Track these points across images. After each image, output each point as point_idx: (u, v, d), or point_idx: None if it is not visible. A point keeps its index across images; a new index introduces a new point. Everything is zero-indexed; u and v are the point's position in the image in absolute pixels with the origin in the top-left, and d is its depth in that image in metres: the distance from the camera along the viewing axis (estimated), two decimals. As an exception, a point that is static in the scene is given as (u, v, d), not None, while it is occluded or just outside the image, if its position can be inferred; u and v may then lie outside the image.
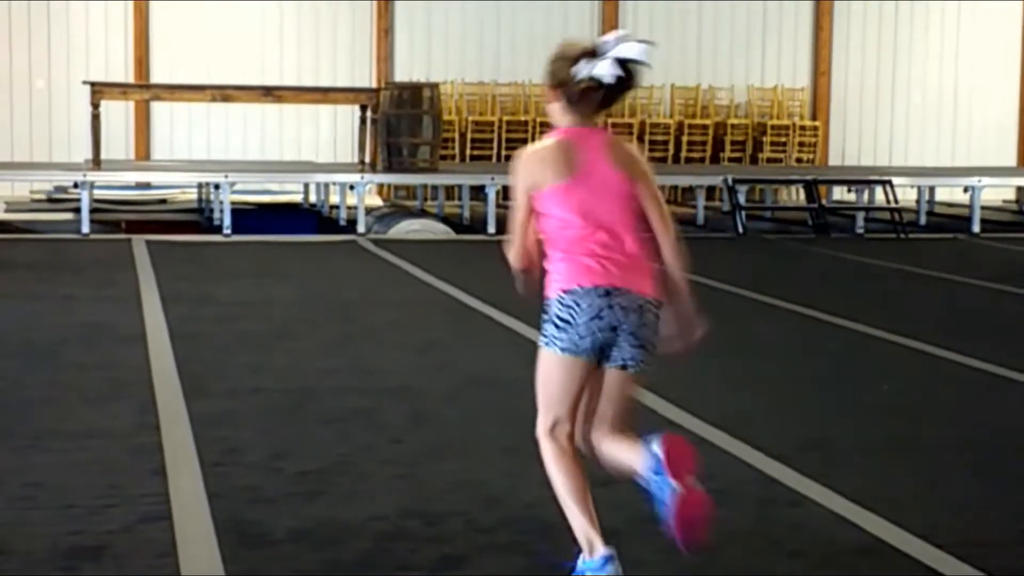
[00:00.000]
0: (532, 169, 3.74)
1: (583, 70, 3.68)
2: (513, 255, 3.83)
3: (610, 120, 19.74)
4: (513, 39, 20.00)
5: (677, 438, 3.76)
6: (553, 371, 3.74)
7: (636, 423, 3.89)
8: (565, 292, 3.70)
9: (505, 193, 18.10)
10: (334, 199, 16.46)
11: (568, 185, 3.69)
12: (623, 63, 3.69)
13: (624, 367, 3.78)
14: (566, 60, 3.71)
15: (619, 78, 3.68)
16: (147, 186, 17.76)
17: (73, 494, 4.52)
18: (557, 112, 3.78)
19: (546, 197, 3.71)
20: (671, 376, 6.73)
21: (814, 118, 20.75)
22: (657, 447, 3.64)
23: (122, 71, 18.75)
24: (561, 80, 3.72)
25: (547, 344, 3.75)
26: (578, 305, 3.69)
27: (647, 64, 3.71)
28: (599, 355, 3.74)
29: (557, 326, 3.72)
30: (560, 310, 3.71)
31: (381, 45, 19.45)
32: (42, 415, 5.68)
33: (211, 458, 4.99)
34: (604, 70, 3.67)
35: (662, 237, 3.85)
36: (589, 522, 3.73)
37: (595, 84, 3.68)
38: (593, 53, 3.69)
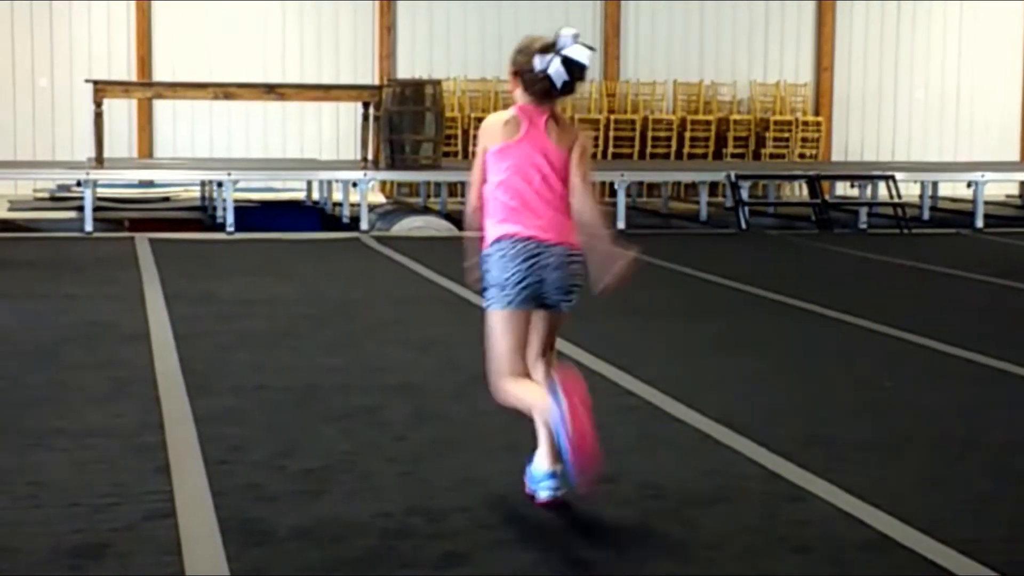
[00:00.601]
0: (488, 133, 4.44)
1: (538, 64, 4.32)
2: (471, 199, 4.49)
3: (613, 117, 19.75)
4: (515, 35, 19.76)
5: (571, 373, 4.29)
6: (499, 327, 4.34)
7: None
8: (498, 257, 4.30)
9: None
10: (337, 196, 16.48)
11: (509, 146, 4.37)
12: (571, 65, 4.30)
13: (554, 307, 4.40)
14: (527, 53, 4.35)
15: (565, 81, 4.31)
16: (150, 184, 17.78)
17: (77, 493, 4.52)
18: (517, 93, 4.43)
19: (492, 155, 4.39)
20: (673, 373, 6.75)
21: (817, 114, 20.75)
22: (559, 389, 4.12)
23: (125, 69, 18.76)
24: (521, 69, 4.38)
25: (490, 306, 4.36)
26: (511, 267, 4.28)
27: (588, 67, 4.33)
28: (533, 302, 4.34)
29: (498, 287, 4.32)
30: (495, 266, 4.31)
31: (383, 42, 19.45)
32: (45, 414, 5.69)
33: (215, 456, 5.00)
34: (555, 69, 4.30)
35: (581, 189, 4.40)
36: (547, 441, 4.36)
37: (546, 78, 4.31)
38: (549, 49, 4.33)
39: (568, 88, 4.32)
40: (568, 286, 4.36)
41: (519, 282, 4.29)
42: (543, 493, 4.39)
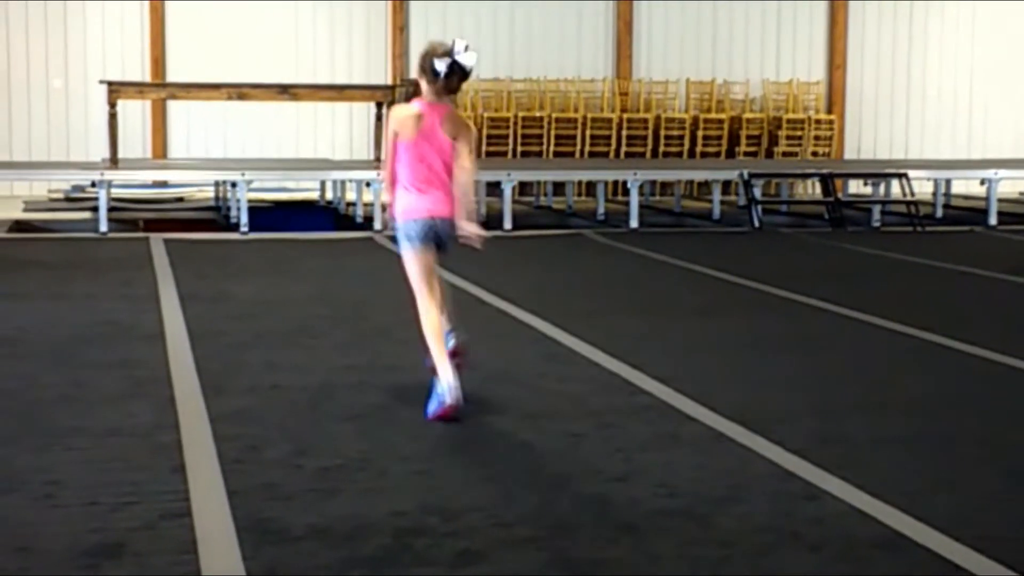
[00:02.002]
0: (397, 123, 5.87)
1: (437, 66, 5.68)
2: (385, 176, 6.00)
3: (626, 116, 19.75)
4: (528, 35, 20.00)
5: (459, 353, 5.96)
6: (414, 260, 5.91)
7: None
8: (405, 221, 5.88)
9: (522, 189, 18.13)
10: (350, 196, 16.49)
11: (415, 140, 5.82)
12: (461, 67, 5.71)
13: (441, 249, 5.95)
14: (429, 57, 5.72)
15: (452, 77, 5.71)
16: (164, 185, 17.82)
17: (93, 492, 4.54)
18: (423, 89, 5.79)
19: (400, 147, 5.86)
20: (687, 371, 6.75)
21: (829, 112, 20.71)
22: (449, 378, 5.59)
23: (139, 70, 18.81)
24: (424, 70, 5.75)
25: (406, 249, 5.91)
26: (415, 229, 5.86)
27: (470, 70, 5.74)
28: (432, 244, 5.88)
29: (408, 240, 5.88)
30: (406, 230, 5.89)
31: (396, 42, 19.47)
32: (62, 413, 5.72)
33: (230, 455, 5.02)
34: (443, 69, 5.70)
35: (468, 170, 5.84)
36: (440, 358, 5.67)
37: (441, 78, 5.70)
38: (446, 54, 5.69)
39: (456, 87, 5.76)
40: (449, 240, 5.93)
41: (422, 238, 5.86)
42: (447, 399, 5.60)
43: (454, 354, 5.89)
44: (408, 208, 5.86)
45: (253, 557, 3.92)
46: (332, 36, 19.48)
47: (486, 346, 7.51)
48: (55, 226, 14.90)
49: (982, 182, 16.27)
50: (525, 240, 13.38)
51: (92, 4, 18.82)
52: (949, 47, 21.17)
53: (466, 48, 5.70)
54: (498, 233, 14.13)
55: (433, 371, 5.67)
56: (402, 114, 5.87)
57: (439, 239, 5.87)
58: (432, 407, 5.62)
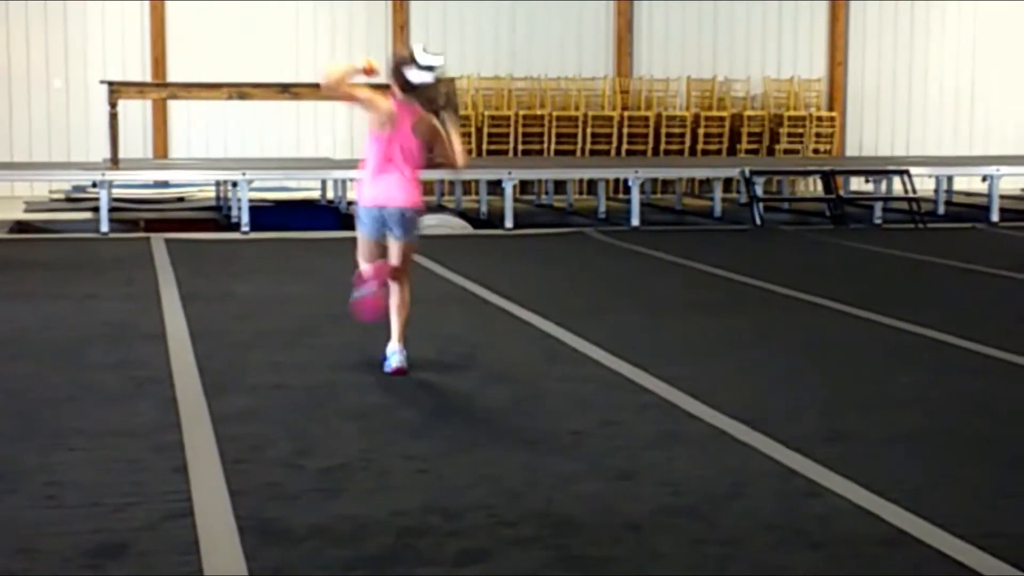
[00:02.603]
0: (377, 111, 6.52)
1: (407, 73, 6.44)
2: (358, 94, 6.53)
3: (627, 114, 19.74)
4: (529, 33, 19.99)
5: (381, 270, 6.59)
6: (361, 242, 6.67)
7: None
8: (359, 207, 6.64)
9: (523, 187, 18.13)
10: (352, 195, 16.47)
11: (386, 136, 6.53)
12: (428, 71, 6.42)
13: (396, 239, 6.58)
14: (399, 63, 6.47)
15: (420, 84, 6.44)
16: (165, 184, 17.82)
17: (96, 492, 4.54)
18: (396, 92, 6.49)
19: (372, 136, 6.56)
20: (690, 370, 6.75)
21: (830, 109, 20.71)
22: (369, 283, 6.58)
23: (139, 70, 18.81)
24: (395, 76, 6.48)
25: (359, 229, 6.69)
26: (366, 215, 6.60)
27: (432, 72, 6.43)
28: (382, 234, 6.59)
29: (359, 222, 6.68)
30: (358, 214, 6.66)
31: (397, 41, 19.46)
32: (64, 414, 5.71)
33: (233, 455, 5.01)
34: (415, 77, 6.43)
35: (460, 150, 6.78)
36: (395, 326, 6.61)
37: (409, 82, 6.44)
38: (412, 61, 6.42)
39: (418, 88, 6.44)
40: (403, 227, 6.56)
41: (367, 226, 6.60)
42: (392, 362, 6.54)
43: (398, 372, 6.52)
44: (362, 195, 6.64)
45: (255, 557, 3.91)
46: (333, 35, 19.48)
47: (487, 345, 7.51)
48: (56, 226, 14.90)
49: (984, 178, 16.25)
50: (526, 238, 13.38)
51: (92, 4, 18.82)
52: (950, 43, 21.16)
53: (425, 50, 6.44)
54: (500, 232, 14.14)
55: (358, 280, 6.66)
56: (382, 105, 6.50)
57: (386, 226, 6.56)
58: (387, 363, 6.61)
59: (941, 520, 4.24)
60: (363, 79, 6.52)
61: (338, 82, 6.40)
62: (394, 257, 6.57)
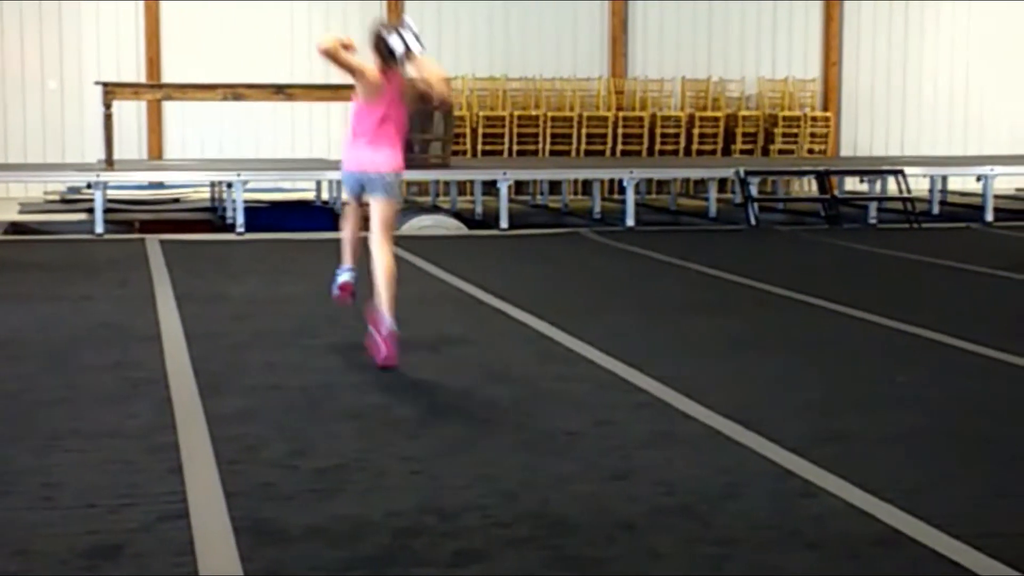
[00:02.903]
0: (367, 81, 6.88)
1: (387, 40, 6.79)
2: (348, 60, 6.88)
3: (621, 114, 19.75)
4: (523, 33, 20.00)
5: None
6: (349, 197, 7.24)
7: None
8: (342, 171, 7.11)
9: (518, 188, 18.13)
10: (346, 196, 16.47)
11: (375, 106, 6.90)
12: (404, 42, 6.74)
13: (376, 199, 6.96)
14: (378, 32, 6.84)
15: (397, 51, 6.75)
16: (160, 185, 17.81)
17: (91, 494, 4.54)
18: (375, 60, 6.83)
19: (360, 105, 6.94)
20: (684, 370, 6.75)
21: (825, 109, 20.73)
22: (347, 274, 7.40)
23: (134, 71, 18.80)
24: (375, 45, 6.84)
25: (343, 189, 7.35)
26: (349, 179, 7.06)
27: (420, 46, 6.78)
28: (360, 194, 7.05)
29: (343, 183, 7.24)
30: (344, 178, 7.12)
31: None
32: (59, 415, 5.71)
33: (228, 456, 5.01)
34: (395, 45, 6.76)
35: (442, 81, 6.90)
36: (349, 253, 7.33)
37: (389, 50, 6.77)
38: (394, 30, 6.79)
39: (398, 56, 6.76)
40: (381, 189, 6.93)
41: (349, 189, 7.12)
42: (341, 278, 7.37)
43: (389, 337, 6.78)
44: (346, 159, 7.05)
45: (251, 558, 3.91)
46: (327, 36, 19.46)
47: (483, 345, 7.52)
48: (51, 228, 14.89)
49: (978, 178, 16.27)
50: (521, 239, 13.38)
51: (87, 5, 18.81)
52: (944, 43, 21.19)
53: (407, 26, 6.89)
54: (495, 232, 14.14)
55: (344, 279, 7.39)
56: (372, 76, 6.87)
57: (368, 188, 6.95)
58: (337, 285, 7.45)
59: (937, 520, 4.25)
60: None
61: (335, 49, 6.78)
62: (374, 217, 6.95)
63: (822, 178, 15.84)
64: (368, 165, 6.88)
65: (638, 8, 20.23)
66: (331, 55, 6.80)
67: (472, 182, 17.10)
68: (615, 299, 9.47)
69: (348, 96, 18.64)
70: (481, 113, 19.47)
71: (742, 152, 20.13)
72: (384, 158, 6.88)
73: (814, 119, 20.41)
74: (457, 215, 15.61)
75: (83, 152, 18.37)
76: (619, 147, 19.76)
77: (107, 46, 18.89)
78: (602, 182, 17.01)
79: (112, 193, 16.55)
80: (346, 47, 6.86)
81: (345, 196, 7.43)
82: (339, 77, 19.05)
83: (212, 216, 16.31)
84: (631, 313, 8.69)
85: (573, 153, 19.61)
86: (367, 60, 6.88)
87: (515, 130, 19.53)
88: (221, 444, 5.18)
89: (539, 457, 5.06)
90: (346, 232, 7.33)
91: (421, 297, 9.38)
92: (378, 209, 6.93)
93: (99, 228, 13.50)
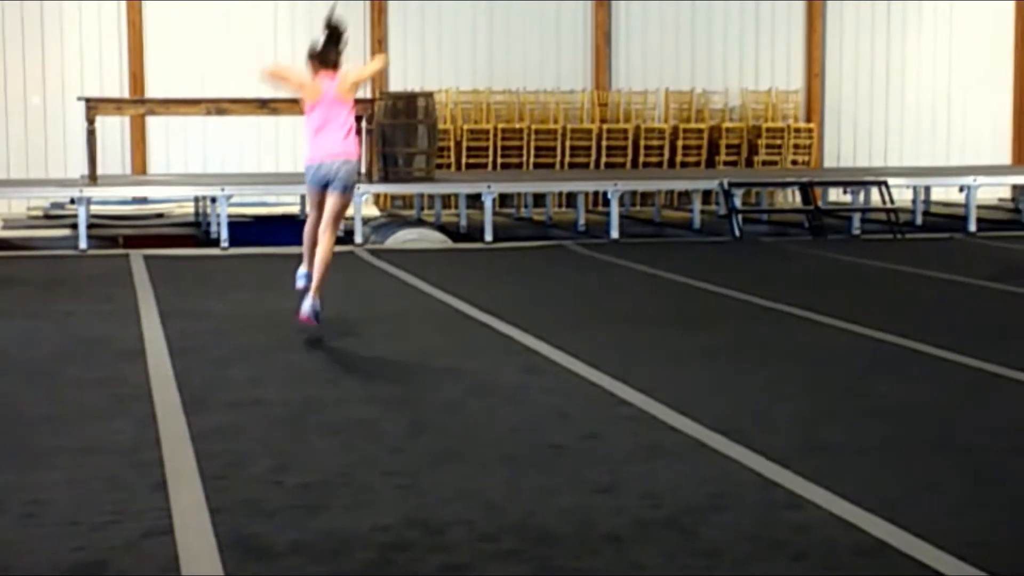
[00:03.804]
0: (303, 87, 8.07)
1: (317, 46, 8.00)
2: (285, 74, 8.39)
3: (605, 127, 19.78)
4: (507, 47, 20.01)
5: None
6: (308, 193, 8.20)
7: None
8: (306, 164, 8.06)
9: (503, 201, 18.14)
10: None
11: (317, 107, 7.97)
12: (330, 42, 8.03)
13: (332, 192, 7.96)
14: (313, 43, 8.07)
15: (323, 52, 8.03)
16: (144, 200, 17.77)
17: (75, 511, 4.53)
18: (315, 69, 8.02)
19: (307, 111, 8.01)
20: (669, 382, 6.76)
21: (808, 120, 20.78)
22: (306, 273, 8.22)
23: (117, 86, 18.76)
24: (309, 53, 8.08)
25: (306, 184, 8.19)
26: (309, 171, 8.02)
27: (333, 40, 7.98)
28: (323, 187, 8.00)
29: (306, 178, 8.12)
30: (305, 171, 8.08)
31: (374, 55, 19.47)
32: (43, 432, 5.70)
33: (212, 472, 5.00)
34: (317, 47, 8.02)
35: (364, 74, 8.84)
36: (307, 259, 8.17)
37: (316, 50, 8.06)
38: (322, 36, 8.04)
39: (328, 58, 7.98)
40: (341, 178, 7.95)
41: (312, 178, 8.01)
42: (305, 308, 7.91)
43: (307, 321, 7.89)
44: (307, 156, 8.04)
45: (236, 574, 3.91)
46: (311, 50, 19.46)
47: (467, 358, 7.52)
48: (34, 243, 14.85)
49: (961, 189, 16.33)
50: (505, 252, 13.39)
51: (69, 20, 18.78)
52: (926, 54, 21.26)
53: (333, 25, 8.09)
54: (479, 245, 14.15)
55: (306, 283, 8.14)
56: (307, 81, 8.06)
57: (327, 180, 7.92)
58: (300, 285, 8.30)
59: (920, 530, 4.26)
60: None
61: (274, 70, 8.53)
62: (328, 208, 7.94)
63: (806, 189, 15.87)
64: (325, 156, 7.90)
65: (621, 20, 20.26)
66: (274, 76, 8.43)
67: (456, 195, 17.10)
68: (600, 312, 9.48)
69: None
70: (465, 126, 19.48)
71: (726, 164, 20.16)
72: (340, 148, 7.91)
73: (797, 130, 20.46)
74: (442, 228, 15.61)
75: (66, 167, 18.32)
76: (603, 159, 19.78)
77: (90, 61, 18.86)
78: (586, 195, 17.02)
79: (96, 208, 16.49)
80: (281, 70, 8.61)
81: (309, 201, 8.24)
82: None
83: (196, 231, 16.28)
84: (616, 325, 8.70)
85: (557, 166, 19.63)
86: (303, 72, 8.17)
87: (499, 143, 19.54)
88: (205, 460, 5.18)
89: (524, 470, 5.06)
90: (307, 238, 8.23)
91: (406, 311, 9.38)
92: (331, 202, 7.93)
93: (83, 244, 13.47)
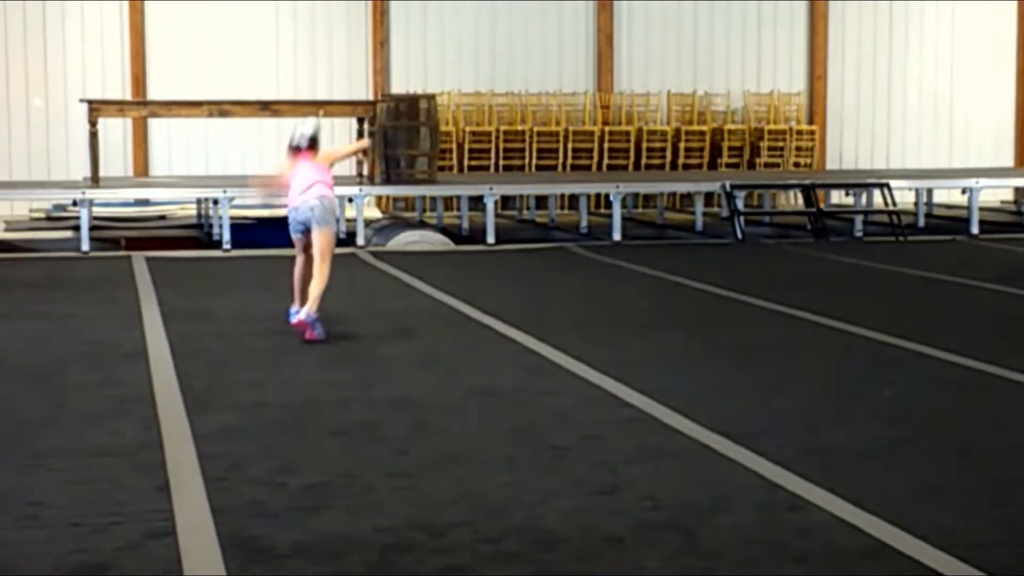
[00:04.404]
0: (285, 171, 8.48)
1: (294, 139, 8.42)
2: (279, 180, 8.57)
3: (608, 129, 19.78)
4: (509, 49, 20.02)
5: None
6: (294, 240, 8.37)
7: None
8: (288, 211, 8.38)
9: (504, 203, 18.14)
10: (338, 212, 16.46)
11: (294, 171, 8.34)
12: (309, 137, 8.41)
13: (313, 229, 8.15)
14: (291, 137, 8.45)
15: (300, 145, 8.42)
16: (146, 202, 17.78)
17: (77, 512, 4.53)
18: (294, 159, 8.43)
19: (288, 178, 8.39)
20: (671, 384, 6.76)
21: (811, 122, 20.78)
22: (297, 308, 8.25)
23: (119, 88, 18.78)
24: (289, 145, 8.45)
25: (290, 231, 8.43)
26: (289, 216, 8.35)
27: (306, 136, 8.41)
28: (304, 232, 8.25)
29: (290, 227, 8.40)
30: (288, 218, 8.38)
31: (377, 57, 19.49)
32: (45, 434, 5.70)
33: (215, 474, 5.00)
34: (295, 140, 8.43)
35: (336, 157, 9.28)
36: (298, 294, 8.24)
37: (292, 145, 8.43)
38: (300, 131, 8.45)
39: (305, 147, 8.37)
40: (316, 218, 8.16)
41: (292, 224, 8.33)
42: (292, 319, 8.11)
43: (300, 325, 8.05)
44: (288, 206, 8.45)
45: (239, 575, 3.91)
46: (313, 52, 19.48)
47: (469, 360, 7.52)
48: (37, 245, 14.86)
49: (963, 191, 16.32)
50: (508, 254, 13.39)
51: (72, 23, 18.80)
52: (929, 57, 21.26)
53: (307, 125, 8.51)
54: (481, 247, 14.15)
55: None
56: (288, 168, 8.50)
57: (306, 222, 8.21)
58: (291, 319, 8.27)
59: (922, 532, 4.26)
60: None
61: (264, 180, 9.32)
62: (315, 247, 8.14)
63: (808, 191, 15.87)
64: (301, 199, 8.21)
65: (623, 22, 20.27)
66: (265, 183, 9.31)
67: (458, 197, 17.10)
68: (602, 313, 9.47)
69: (333, 112, 18.62)
70: (467, 128, 19.49)
71: (728, 166, 20.16)
72: (315, 188, 8.20)
73: (800, 133, 20.46)
74: (443, 230, 15.61)
75: (68, 170, 18.34)
76: (605, 161, 19.78)
77: (92, 63, 18.88)
78: (589, 196, 17.02)
79: (98, 210, 16.52)
80: (265, 178, 9.37)
81: (295, 246, 8.41)
82: (324, 93, 19.07)
83: (198, 233, 16.29)
84: (618, 327, 8.70)
85: (559, 168, 19.64)
86: (283, 164, 8.59)
87: (501, 145, 19.55)
88: (208, 462, 5.18)
89: (526, 472, 5.06)
90: (296, 276, 8.36)
91: (407, 313, 9.38)
92: (316, 241, 8.14)
93: (85, 245, 13.48)
